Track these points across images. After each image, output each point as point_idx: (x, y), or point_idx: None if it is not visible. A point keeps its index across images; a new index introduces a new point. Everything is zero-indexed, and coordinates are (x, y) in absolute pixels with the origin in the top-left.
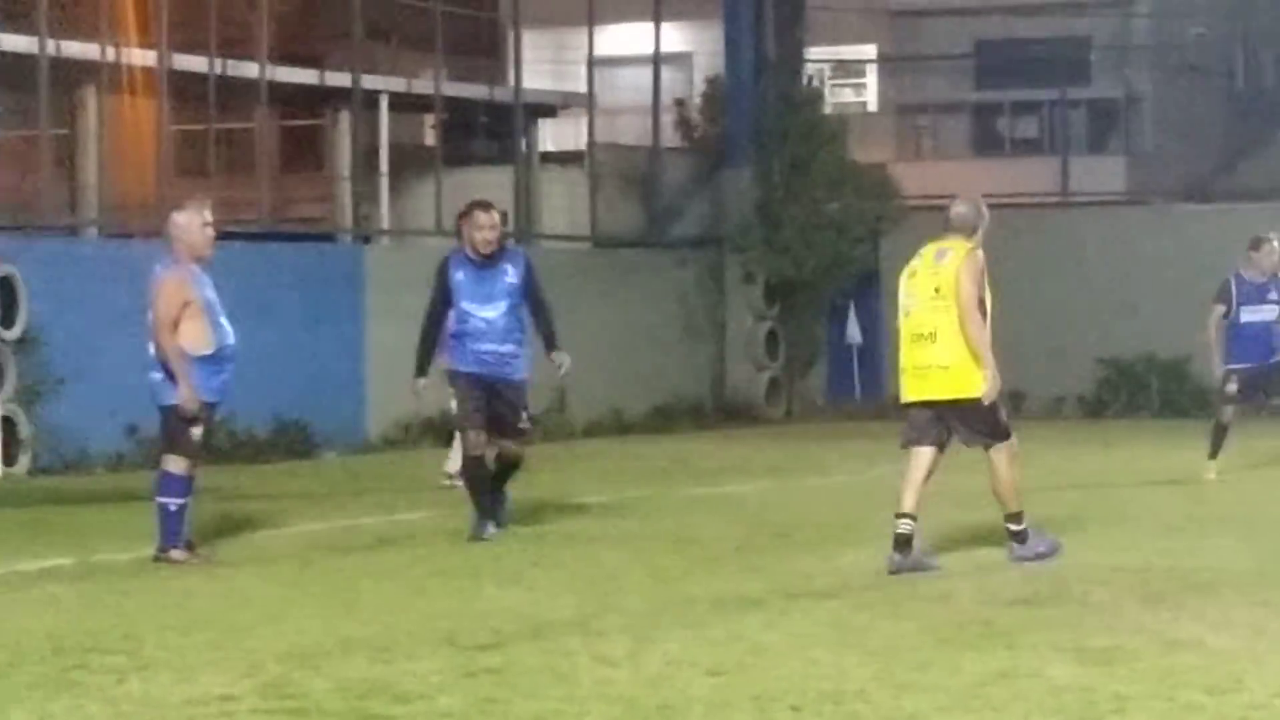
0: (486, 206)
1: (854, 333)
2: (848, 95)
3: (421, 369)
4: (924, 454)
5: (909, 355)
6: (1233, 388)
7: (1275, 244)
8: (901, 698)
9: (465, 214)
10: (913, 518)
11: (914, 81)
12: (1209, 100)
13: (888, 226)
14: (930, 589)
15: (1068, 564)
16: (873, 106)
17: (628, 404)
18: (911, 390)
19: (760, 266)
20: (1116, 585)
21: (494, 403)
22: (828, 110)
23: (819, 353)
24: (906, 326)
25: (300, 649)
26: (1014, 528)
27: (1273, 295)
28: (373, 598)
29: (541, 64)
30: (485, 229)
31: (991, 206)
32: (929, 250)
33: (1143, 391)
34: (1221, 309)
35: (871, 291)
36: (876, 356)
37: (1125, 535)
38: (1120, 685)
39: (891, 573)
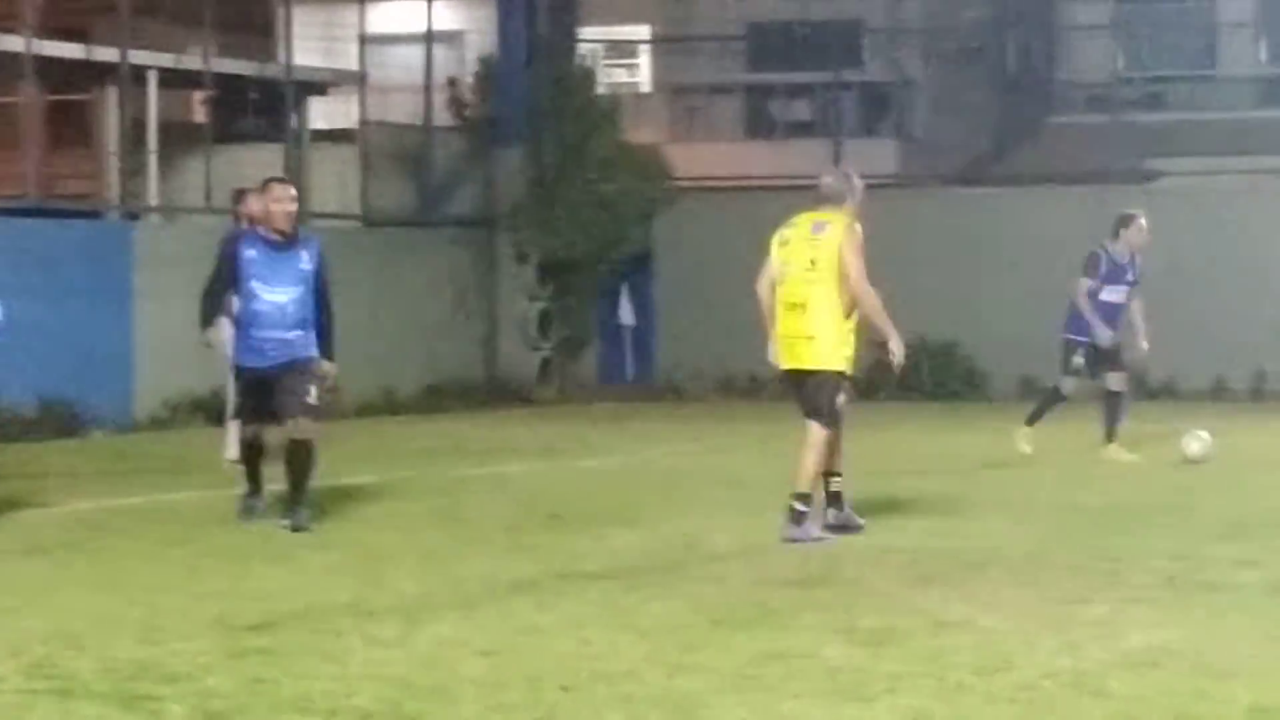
0: (283, 180)
1: (626, 314)
2: (621, 76)
3: (207, 320)
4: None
5: (782, 324)
6: (1080, 360)
7: (1143, 221)
8: (674, 678)
9: (260, 189)
10: (838, 474)
11: (687, 63)
12: (980, 84)
13: (661, 207)
14: (703, 570)
15: (840, 546)
16: (646, 87)
17: (399, 384)
18: (784, 359)
19: (533, 247)
20: (888, 567)
21: (281, 384)
22: (601, 91)
23: (591, 334)
24: (781, 295)
25: (66, 629)
26: (798, 507)
27: (1129, 276)
28: (140, 578)
29: (312, 41)
30: (285, 201)
31: (763, 189)
32: (803, 220)
33: (913, 374)
34: (1089, 283)
35: (644, 272)
36: (649, 338)
37: (897, 517)
38: (892, 665)
39: (827, 526)
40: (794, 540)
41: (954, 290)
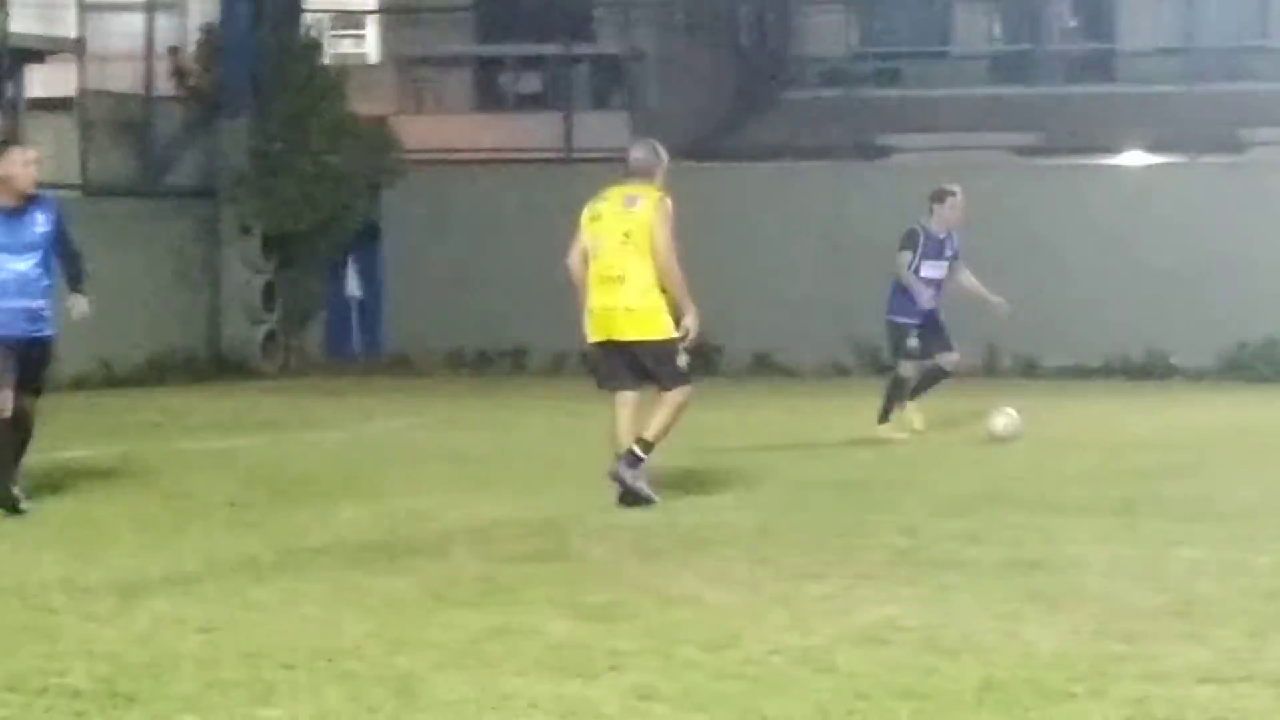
0: (22, 144)
1: (353, 287)
2: (348, 47)
3: None
4: (627, 396)
5: (596, 296)
6: (914, 342)
7: (959, 197)
8: (396, 655)
9: None
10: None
11: (415, 34)
12: (714, 58)
13: (388, 180)
14: (429, 546)
15: (568, 521)
16: (373, 58)
17: (118, 356)
18: (599, 330)
19: (257, 219)
20: (616, 542)
21: (23, 361)
22: (327, 62)
23: (317, 306)
24: (595, 269)
25: None
26: (639, 452)
27: (948, 252)
28: None
29: (30, 7)
30: (29, 164)
31: (494, 163)
32: (614, 194)
33: None
34: (909, 256)
35: (372, 246)
36: (376, 311)
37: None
38: (617, 641)
39: (613, 476)
40: (619, 479)
41: (686, 264)
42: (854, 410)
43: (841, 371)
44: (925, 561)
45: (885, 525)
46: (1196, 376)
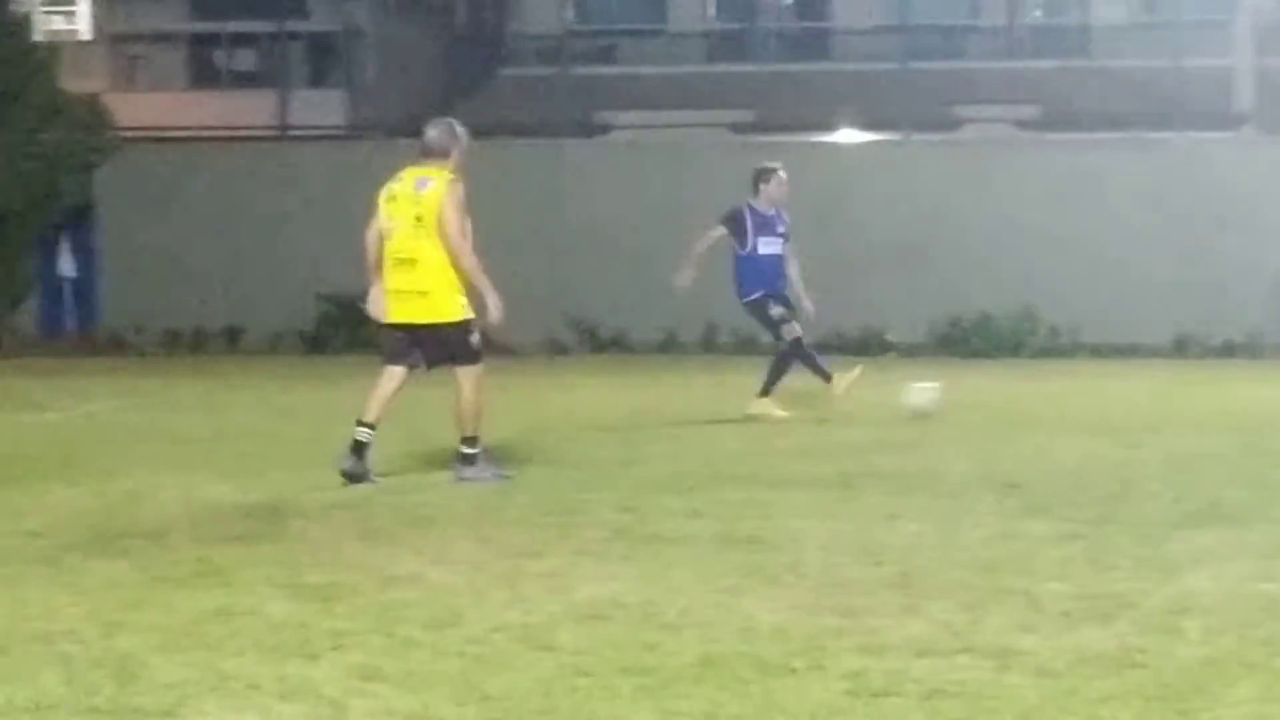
0: None
1: (66, 266)
2: (59, 23)
3: None
4: (397, 373)
5: (391, 278)
6: (780, 308)
7: (783, 174)
8: (114, 637)
9: None
10: (372, 427)
11: (128, 10)
12: (431, 35)
13: (101, 158)
14: (146, 527)
15: (286, 501)
16: (86, 35)
17: None
18: (394, 313)
19: None
20: (336, 522)
21: None
22: (38, 38)
23: (30, 286)
24: (389, 250)
25: None
26: (467, 450)
27: (780, 229)
28: None
29: None
30: None
31: (209, 140)
32: (409, 175)
33: (363, 327)
34: (723, 231)
35: (86, 224)
36: (91, 291)
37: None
38: (338, 622)
39: (343, 472)
40: (468, 480)
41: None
42: (572, 388)
43: (560, 350)
44: (645, 538)
45: (605, 503)
46: (911, 352)
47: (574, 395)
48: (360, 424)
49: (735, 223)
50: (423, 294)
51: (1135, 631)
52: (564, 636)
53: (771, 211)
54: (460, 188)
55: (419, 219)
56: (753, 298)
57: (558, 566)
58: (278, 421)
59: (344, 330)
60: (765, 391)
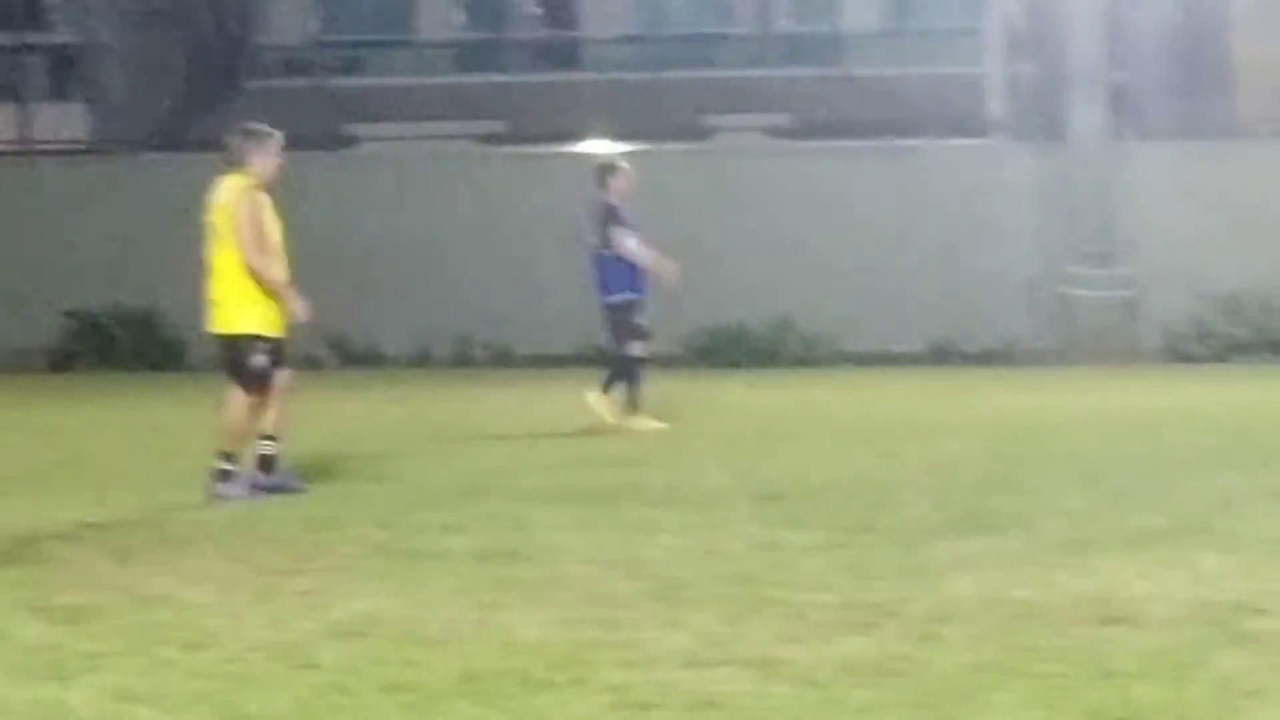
0: None
1: None
2: None
3: None
4: (281, 375)
5: (206, 288)
6: (643, 321)
7: (628, 166)
8: None
9: None
10: (271, 438)
11: None
12: (174, 49)
13: None
14: None
15: (38, 522)
16: None
17: None
18: (207, 322)
19: None
20: (88, 542)
21: None
22: None
23: None
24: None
25: None
26: (222, 465)
27: (632, 222)
28: None
29: None
30: None
31: None
32: (217, 185)
33: (111, 344)
34: (624, 231)
35: None
36: None
37: (93, 492)
38: (91, 643)
39: (259, 487)
40: (219, 497)
41: (148, 256)
42: (326, 402)
43: (314, 364)
44: (403, 553)
45: (361, 519)
46: (668, 363)
47: (325, 409)
48: (261, 438)
49: (616, 217)
50: (216, 304)
51: (897, 640)
52: (323, 655)
53: (626, 207)
54: (257, 195)
55: (215, 227)
56: (625, 299)
57: (314, 584)
58: (32, 442)
59: (93, 346)
60: (607, 390)
